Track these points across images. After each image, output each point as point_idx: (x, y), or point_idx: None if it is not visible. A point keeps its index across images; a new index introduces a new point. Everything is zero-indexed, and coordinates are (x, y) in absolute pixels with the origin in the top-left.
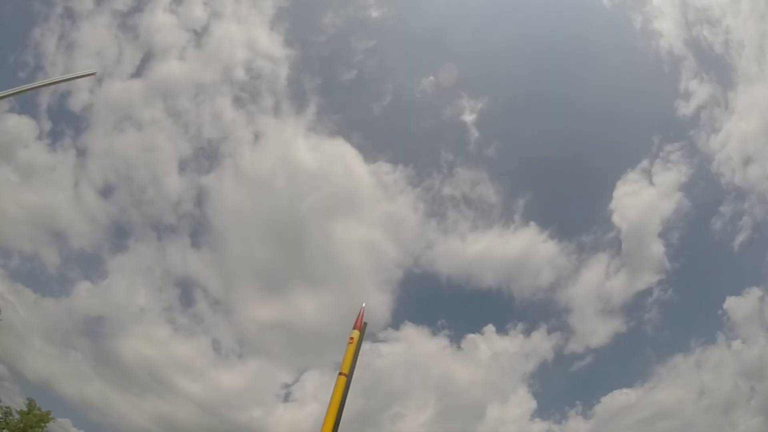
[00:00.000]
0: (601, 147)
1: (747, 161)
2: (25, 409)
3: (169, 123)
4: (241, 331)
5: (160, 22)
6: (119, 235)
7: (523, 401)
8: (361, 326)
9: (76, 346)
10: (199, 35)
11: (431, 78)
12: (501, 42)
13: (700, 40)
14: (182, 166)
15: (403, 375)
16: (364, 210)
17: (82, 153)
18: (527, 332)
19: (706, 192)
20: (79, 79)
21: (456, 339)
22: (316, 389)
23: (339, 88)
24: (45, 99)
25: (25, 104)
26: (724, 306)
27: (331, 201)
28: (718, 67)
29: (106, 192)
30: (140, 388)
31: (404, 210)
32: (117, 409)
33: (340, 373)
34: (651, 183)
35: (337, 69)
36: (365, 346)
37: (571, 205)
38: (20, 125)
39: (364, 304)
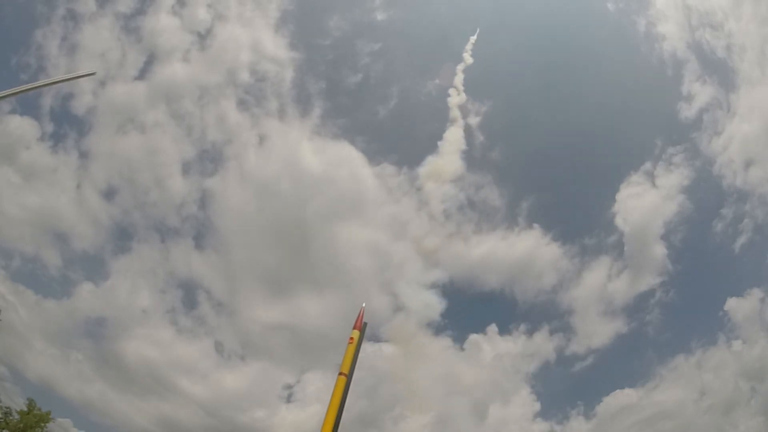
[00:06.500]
0: (605, 149)
1: (748, 163)
2: (25, 409)
3: (173, 125)
4: (244, 333)
5: (164, 24)
6: (122, 237)
7: (525, 402)
8: (361, 326)
9: (77, 347)
10: (202, 37)
11: (436, 81)
12: (505, 45)
13: (703, 44)
14: (186, 169)
15: (406, 375)
16: (368, 213)
17: (84, 155)
18: (530, 333)
19: (708, 194)
20: (81, 81)
21: (459, 339)
22: (319, 390)
23: (344, 92)
24: (47, 101)
25: (28, 106)
26: (725, 307)
27: (335, 204)
28: (720, 71)
29: (109, 194)
30: (142, 389)
31: (409, 212)
32: (119, 409)
33: (341, 373)
34: (654, 185)
35: (342, 72)
36: (368, 346)
37: (574, 208)
38: (22, 126)
39: (364, 305)
